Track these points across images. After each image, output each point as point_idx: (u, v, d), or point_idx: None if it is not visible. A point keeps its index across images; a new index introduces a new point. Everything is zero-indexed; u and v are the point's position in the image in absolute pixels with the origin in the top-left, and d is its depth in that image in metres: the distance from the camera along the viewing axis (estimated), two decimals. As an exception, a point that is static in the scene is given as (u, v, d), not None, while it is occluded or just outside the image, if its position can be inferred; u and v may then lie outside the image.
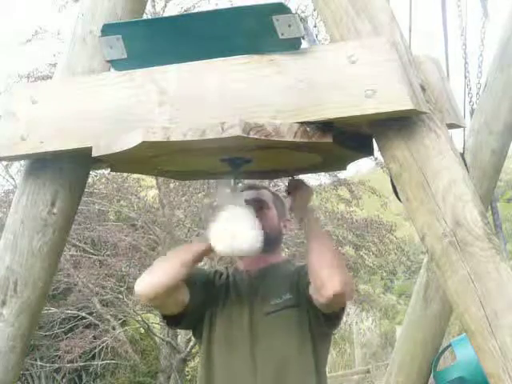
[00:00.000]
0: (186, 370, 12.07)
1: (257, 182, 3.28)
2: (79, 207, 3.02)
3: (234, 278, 2.97)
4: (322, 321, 2.79)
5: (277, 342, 2.79)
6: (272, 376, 2.77)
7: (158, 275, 2.72)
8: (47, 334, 11.26)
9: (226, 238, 2.65)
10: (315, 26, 2.94)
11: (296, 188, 2.89)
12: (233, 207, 2.71)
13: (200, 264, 3.05)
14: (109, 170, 3.03)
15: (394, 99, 2.28)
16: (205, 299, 2.91)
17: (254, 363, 2.79)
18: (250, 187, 3.03)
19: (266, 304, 2.84)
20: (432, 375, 4.25)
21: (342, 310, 2.79)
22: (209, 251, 2.72)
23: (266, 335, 2.80)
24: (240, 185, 2.88)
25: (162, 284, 2.69)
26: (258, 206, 2.89)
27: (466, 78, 3.88)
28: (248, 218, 2.69)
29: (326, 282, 2.57)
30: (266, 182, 10.41)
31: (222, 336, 2.86)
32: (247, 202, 2.86)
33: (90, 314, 11.41)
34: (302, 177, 3.45)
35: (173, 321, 2.92)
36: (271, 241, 2.86)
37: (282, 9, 2.36)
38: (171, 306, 2.84)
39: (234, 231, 2.64)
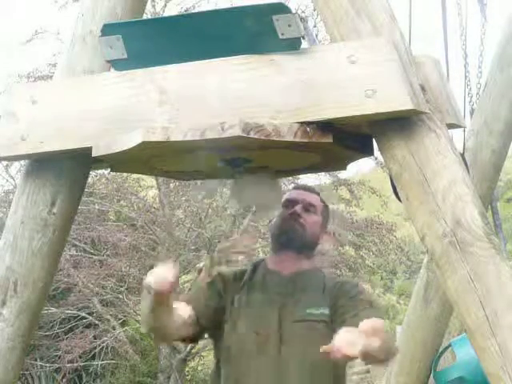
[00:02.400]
0: (186, 370, 12.07)
1: (312, 186, 3.27)
2: (79, 207, 3.02)
3: (263, 277, 2.89)
4: None
5: (307, 349, 2.71)
6: (299, 380, 2.73)
7: (145, 324, 2.80)
8: (47, 333, 11.27)
9: None
10: (315, 26, 2.94)
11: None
12: None
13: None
14: (109, 170, 3.03)
15: (393, 99, 2.28)
16: (218, 308, 2.85)
17: (281, 366, 2.73)
18: (303, 188, 3.02)
19: (301, 310, 2.77)
20: (432, 375, 4.25)
21: None
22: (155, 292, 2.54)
23: (296, 341, 2.74)
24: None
25: (155, 332, 2.84)
26: (306, 208, 2.88)
27: (466, 78, 3.88)
28: None
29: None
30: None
31: (249, 333, 2.79)
32: (294, 200, 2.88)
33: (90, 314, 11.41)
34: (301, 177, 3.47)
35: (191, 340, 2.96)
36: (307, 244, 2.85)
37: (282, 9, 2.36)
38: (183, 335, 2.84)
39: None
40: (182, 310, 2.76)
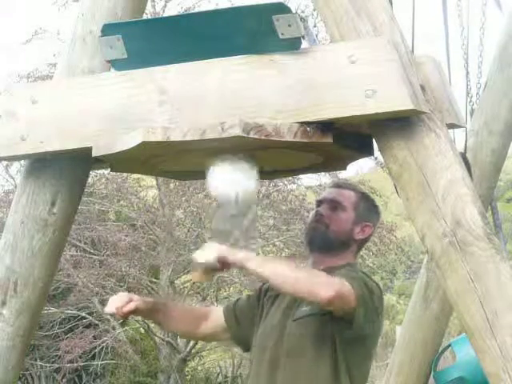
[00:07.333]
0: (186, 370, 12.08)
1: (346, 181, 3.22)
2: (79, 207, 3.02)
3: None
4: (342, 324, 2.69)
5: (297, 349, 2.73)
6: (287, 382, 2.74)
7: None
8: (47, 333, 11.28)
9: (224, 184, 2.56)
10: (315, 26, 2.94)
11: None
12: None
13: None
14: (109, 169, 3.03)
15: (393, 99, 2.28)
16: (250, 321, 2.91)
17: (275, 369, 2.74)
18: (335, 185, 2.99)
19: (297, 310, 2.77)
20: (432, 375, 4.25)
21: (353, 310, 2.64)
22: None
23: (289, 341, 2.75)
24: None
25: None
26: (332, 206, 2.83)
27: (466, 77, 3.88)
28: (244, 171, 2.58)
29: (314, 298, 2.55)
30: (265, 182, 10.41)
31: (260, 341, 2.83)
32: (323, 200, 2.85)
33: (90, 314, 11.43)
34: (301, 177, 3.46)
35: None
36: (332, 242, 2.80)
37: (282, 9, 2.36)
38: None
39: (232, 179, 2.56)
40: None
